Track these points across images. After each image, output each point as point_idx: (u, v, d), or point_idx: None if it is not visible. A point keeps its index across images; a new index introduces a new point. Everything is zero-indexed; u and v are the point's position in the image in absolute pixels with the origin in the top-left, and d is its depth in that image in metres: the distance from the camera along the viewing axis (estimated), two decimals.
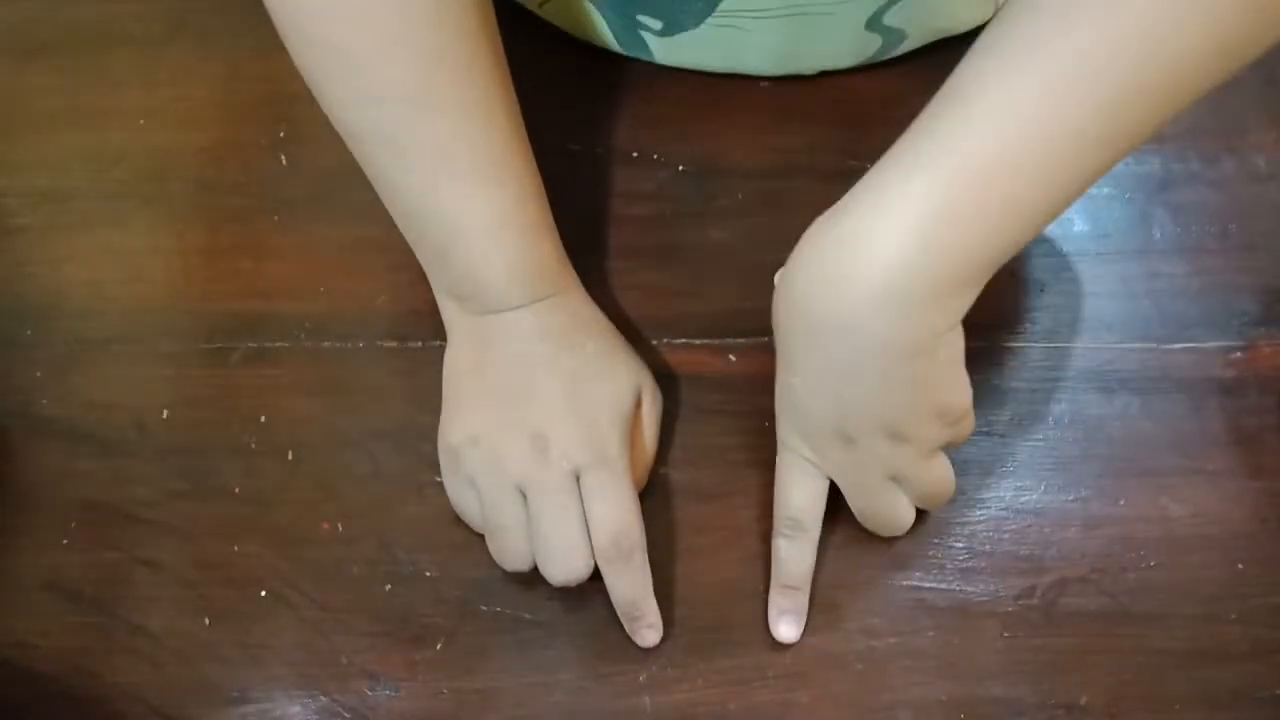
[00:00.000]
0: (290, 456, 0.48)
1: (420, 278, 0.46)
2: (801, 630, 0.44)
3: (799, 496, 0.43)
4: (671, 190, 0.52)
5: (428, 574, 0.46)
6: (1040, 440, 0.47)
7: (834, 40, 0.52)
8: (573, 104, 0.54)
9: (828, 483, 0.43)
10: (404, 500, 0.47)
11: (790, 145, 0.53)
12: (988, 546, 0.46)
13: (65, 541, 0.47)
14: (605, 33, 0.53)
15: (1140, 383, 0.48)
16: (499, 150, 0.42)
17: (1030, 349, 0.49)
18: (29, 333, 0.51)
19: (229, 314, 0.51)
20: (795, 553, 0.44)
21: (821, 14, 0.50)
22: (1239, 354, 0.49)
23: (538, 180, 0.44)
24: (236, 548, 0.47)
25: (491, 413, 0.44)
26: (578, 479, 0.43)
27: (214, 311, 0.51)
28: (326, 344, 0.50)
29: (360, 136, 0.42)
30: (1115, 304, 0.50)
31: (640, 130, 0.54)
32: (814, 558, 0.44)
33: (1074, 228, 0.51)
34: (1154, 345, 0.49)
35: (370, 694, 0.44)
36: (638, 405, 0.46)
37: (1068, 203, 0.36)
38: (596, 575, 0.43)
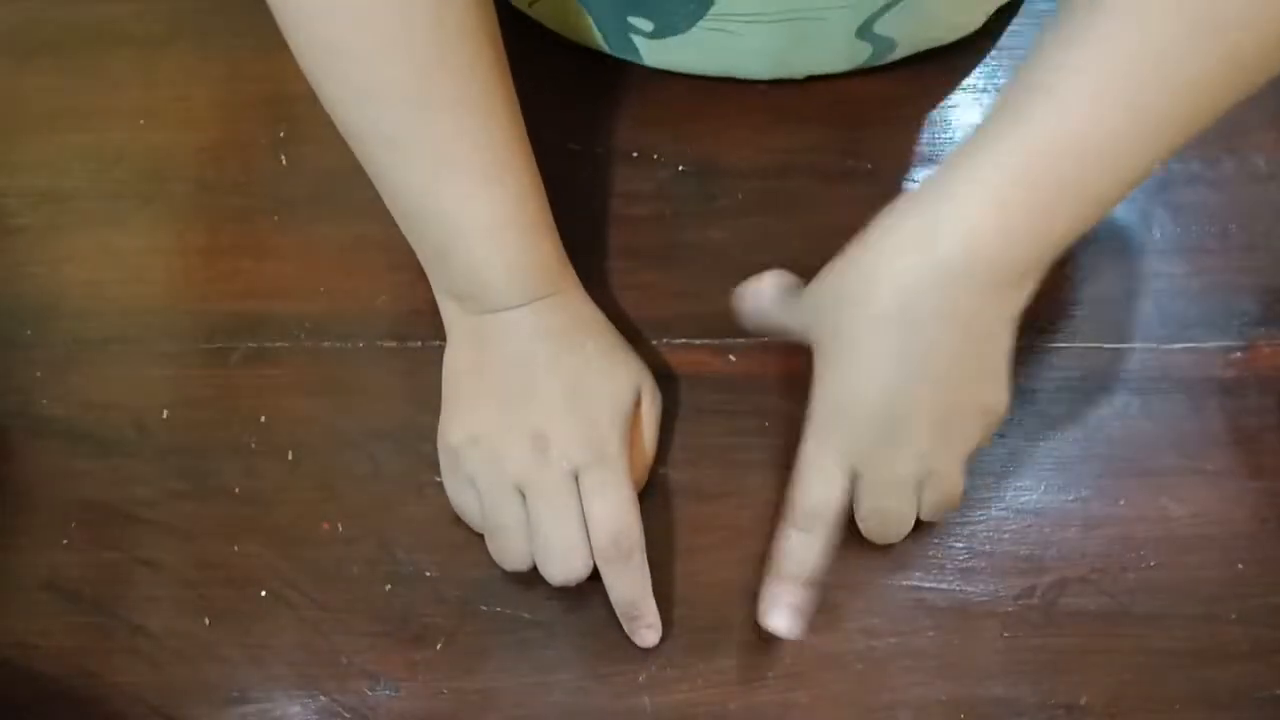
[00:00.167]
0: (290, 456, 0.48)
1: (420, 278, 0.46)
2: (796, 624, 0.42)
3: (822, 489, 0.41)
4: (671, 190, 0.52)
5: (428, 574, 0.46)
6: (1040, 440, 0.47)
7: (825, 47, 0.52)
8: (573, 104, 0.54)
9: (849, 483, 0.42)
10: (404, 500, 0.47)
11: (790, 146, 0.53)
12: (988, 546, 0.46)
13: (65, 541, 0.47)
14: (594, 34, 0.53)
15: (1140, 383, 0.48)
16: (499, 150, 0.42)
17: (1030, 349, 0.49)
18: (29, 333, 0.51)
19: (229, 314, 0.51)
20: (807, 545, 0.42)
21: (813, 19, 0.49)
22: (1239, 354, 0.49)
23: (538, 180, 0.44)
24: (236, 548, 0.47)
25: (491, 412, 0.44)
26: (577, 479, 0.43)
27: (214, 311, 0.51)
28: (326, 344, 0.50)
29: (361, 136, 0.42)
30: (1115, 304, 0.50)
31: (640, 130, 0.54)
32: (826, 554, 0.42)
33: None
34: (1154, 345, 0.49)
35: (370, 694, 0.44)
36: (637, 405, 0.45)
37: (1134, 187, 0.37)
38: (596, 575, 0.43)
